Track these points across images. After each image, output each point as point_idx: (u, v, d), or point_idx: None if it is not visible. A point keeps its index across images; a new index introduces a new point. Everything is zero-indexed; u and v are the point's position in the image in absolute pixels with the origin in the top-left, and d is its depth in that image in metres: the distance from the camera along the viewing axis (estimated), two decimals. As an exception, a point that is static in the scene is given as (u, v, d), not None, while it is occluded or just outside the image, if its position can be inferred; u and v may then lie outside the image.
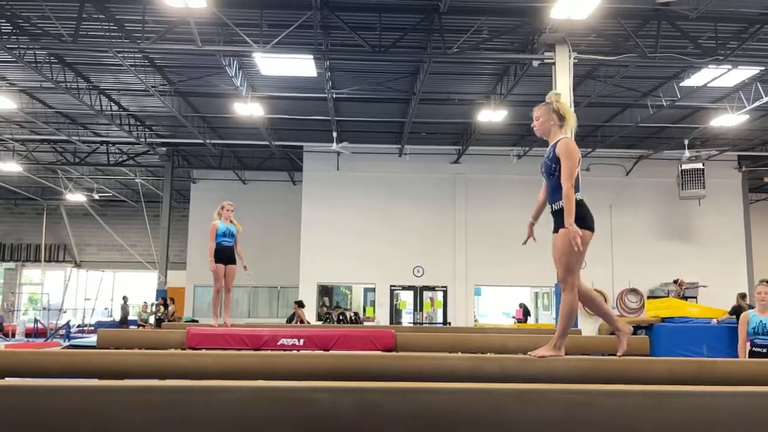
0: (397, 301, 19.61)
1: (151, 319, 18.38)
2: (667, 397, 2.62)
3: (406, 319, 19.48)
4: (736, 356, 6.01)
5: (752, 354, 5.55)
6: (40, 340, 19.64)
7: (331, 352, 6.08)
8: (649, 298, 18.09)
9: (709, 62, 11.43)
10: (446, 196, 19.42)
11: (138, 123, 17.51)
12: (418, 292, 19.47)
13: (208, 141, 17.73)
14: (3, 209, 27.55)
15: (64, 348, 13.75)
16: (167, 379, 3.95)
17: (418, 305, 19.43)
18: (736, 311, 11.31)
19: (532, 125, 4.16)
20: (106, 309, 26.61)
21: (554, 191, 3.90)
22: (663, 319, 12.69)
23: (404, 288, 19.48)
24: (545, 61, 11.13)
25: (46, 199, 26.24)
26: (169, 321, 16.06)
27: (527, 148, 18.18)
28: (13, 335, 20.99)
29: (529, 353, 3.81)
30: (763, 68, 12.31)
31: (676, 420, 2.57)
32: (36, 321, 23.29)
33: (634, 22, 10.97)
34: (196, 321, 17.65)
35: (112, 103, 15.58)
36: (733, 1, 10.19)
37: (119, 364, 4.08)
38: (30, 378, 3.91)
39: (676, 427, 2.58)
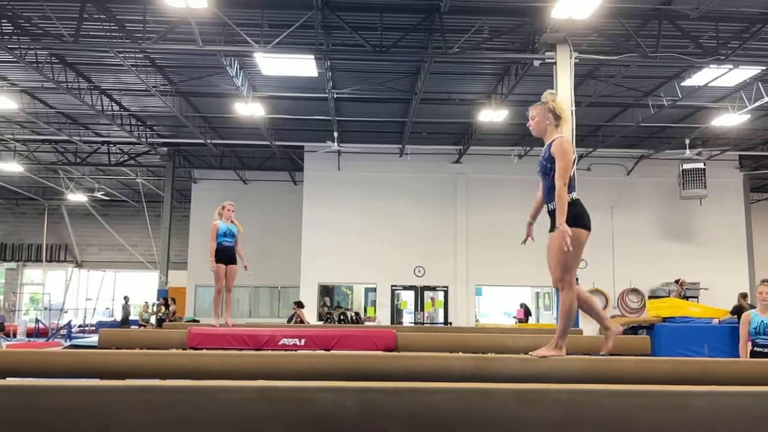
0: (398, 301, 19.61)
1: (152, 319, 18.38)
2: (669, 397, 2.62)
3: (407, 319, 19.47)
4: (738, 356, 6.00)
5: (754, 354, 5.54)
6: (42, 340, 19.67)
7: (332, 352, 6.09)
8: (650, 298, 18.08)
9: (710, 62, 11.41)
10: (447, 195, 19.41)
11: (139, 123, 17.51)
12: (419, 292, 19.47)
13: (209, 141, 17.73)
14: (4, 209, 27.57)
15: (65, 348, 13.76)
16: (168, 379, 3.95)
17: (419, 305, 19.42)
18: (738, 311, 11.29)
19: (527, 124, 4.16)
20: (107, 309, 26.63)
21: (550, 191, 3.91)
22: (664, 319, 12.68)
23: (405, 288, 19.48)
24: (546, 60, 11.12)
25: (47, 199, 26.25)
26: (170, 321, 16.07)
27: (528, 148, 18.18)
28: (15, 335, 20.99)
29: (530, 353, 3.82)
30: (764, 68, 12.29)
31: (677, 420, 2.56)
32: (37, 321, 23.30)
33: (635, 22, 10.96)
34: (197, 321, 17.67)
35: (113, 103, 15.59)
36: (734, 0, 10.18)
37: (120, 364, 4.08)
38: (31, 378, 3.91)
39: (678, 427, 2.57)
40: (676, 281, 16.30)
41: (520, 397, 2.60)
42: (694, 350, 11.33)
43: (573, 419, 2.55)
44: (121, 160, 20.46)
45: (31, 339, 20.78)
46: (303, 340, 6.32)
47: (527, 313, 20.52)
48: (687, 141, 17.23)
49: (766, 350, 5.47)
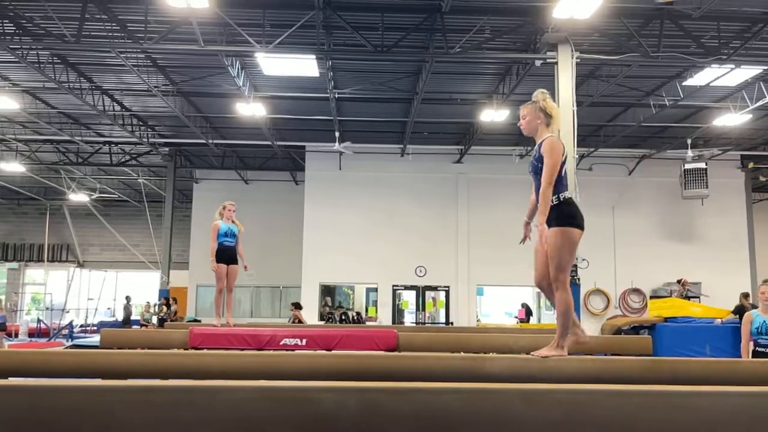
0: (399, 300, 19.61)
1: (154, 319, 18.41)
2: (670, 398, 2.62)
3: (409, 319, 19.47)
4: (740, 356, 5.99)
5: (756, 354, 5.54)
6: (43, 340, 19.70)
7: (333, 352, 6.08)
8: (651, 297, 18.06)
9: (711, 62, 11.40)
10: (448, 195, 19.41)
11: (140, 123, 17.53)
12: (421, 291, 19.47)
13: (210, 141, 17.74)
14: (6, 209, 27.60)
15: (67, 348, 13.78)
16: (170, 379, 3.95)
17: (421, 305, 19.42)
18: (739, 311, 11.28)
19: (518, 124, 4.16)
20: (108, 309, 26.65)
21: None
22: (666, 319, 12.66)
23: (406, 288, 19.48)
24: (548, 60, 11.11)
25: (49, 199, 26.28)
26: (171, 321, 16.09)
27: (529, 148, 18.15)
28: (17, 335, 21.02)
29: (531, 353, 3.81)
30: (765, 67, 12.28)
31: (678, 420, 2.56)
32: (39, 321, 23.34)
33: (637, 22, 10.95)
34: (199, 321, 17.71)
35: (114, 104, 15.60)
36: (735, 0, 10.17)
37: (122, 364, 4.08)
38: (33, 378, 3.92)
39: (679, 428, 2.57)
40: (678, 281, 16.28)
41: (522, 397, 2.60)
42: (695, 350, 11.30)
43: (574, 419, 2.55)
44: (123, 160, 20.48)
45: (33, 339, 20.82)
46: (304, 340, 6.32)
47: (528, 313, 20.50)
48: (689, 141, 17.22)
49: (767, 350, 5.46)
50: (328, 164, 19.07)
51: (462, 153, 19.08)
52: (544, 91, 4.08)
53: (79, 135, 17.87)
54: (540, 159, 3.88)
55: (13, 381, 3.28)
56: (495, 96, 14.48)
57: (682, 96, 13.76)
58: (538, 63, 11.29)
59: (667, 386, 2.84)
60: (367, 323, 17.30)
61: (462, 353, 5.65)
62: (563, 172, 3.89)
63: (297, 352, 5.97)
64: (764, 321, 5.52)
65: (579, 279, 10.65)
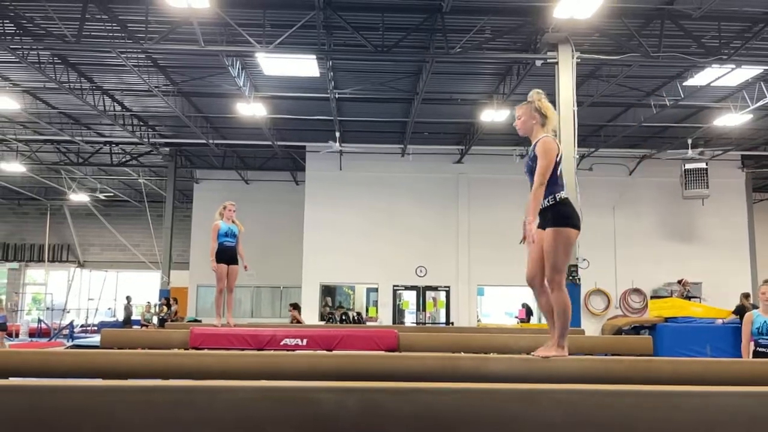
0: (399, 301, 19.61)
1: (154, 319, 18.41)
2: (670, 398, 2.62)
3: (409, 319, 19.47)
4: (740, 356, 5.99)
5: (756, 354, 5.53)
6: (44, 340, 19.71)
7: (334, 352, 6.08)
8: (652, 298, 18.06)
9: (712, 61, 11.40)
10: (449, 195, 19.41)
11: (141, 123, 17.53)
12: (421, 292, 19.47)
13: (211, 141, 17.75)
14: (7, 209, 27.61)
15: (67, 348, 13.79)
16: (170, 379, 3.95)
17: (421, 305, 19.42)
18: (740, 311, 11.27)
19: (513, 124, 4.16)
20: (109, 309, 26.65)
21: None
22: (666, 319, 12.65)
23: (407, 288, 19.47)
24: (548, 60, 11.11)
25: (49, 199, 26.28)
26: (172, 321, 16.09)
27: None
28: (17, 335, 21.03)
29: (532, 353, 3.81)
30: (766, 67, 12.27)
31: (679, 420, 2.56)
32: (39, 321, 23.37)
33: (638, 22, 10.95)
34: (199, 321, 17.71)
35: (115, 104, 15.60)
36: (736, 0, 10.17)
37: (122, 364, 4.09)
38: (34, 378, 3.92)
39: (679, 427, 2.57)
40: (679, 281, 16.27)
41: (522, 398, 2.60)
42: (696, 350, 11.29)
43: (575, 419, 2.55)
44: (123, 160, 20.49)
45: (34, 339, 20.83)
46: (305, 341, 6.32)
47: (529, 313, 20.48)
48: (689, 141, 17.21)
49: (768, 350, 5.46)
50: (328, 164, 19.06)
51: (462, 153, 19.08)
52: (539, 91, 4.08)
53: (80, 135, 17.88)
54: (535, 159, 3.88)
55: (13, 381, 3.28)
56: (495, 96, 14.48)
57: (682, 96, 13.76)
58: (538, 63, 11.29)
59: (667, 386, 2.84)
60: (368, 323, 17.30)
61: (462, 353, 5.65)
62: (559, 172, 3.89)
63: (297, 352, 5.97)
64: (765, 321, 5.51)
65: (579, 279, 10.64)
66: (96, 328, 21.45)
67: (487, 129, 16.12)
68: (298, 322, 13.37)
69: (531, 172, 3.92)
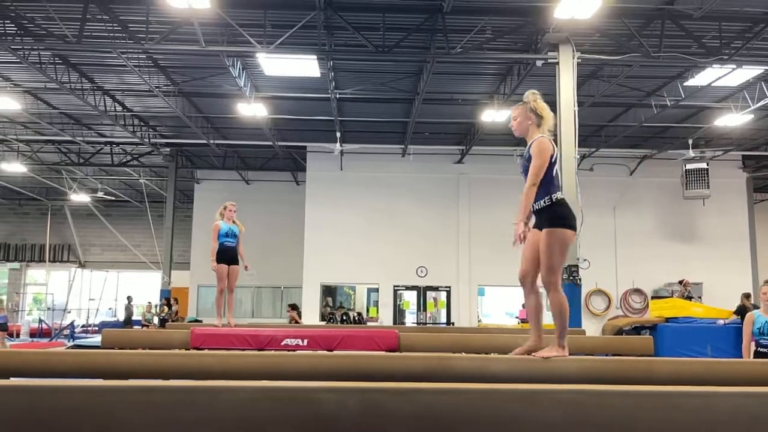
0: (400, 301, 19.61)
1: (155, 320, 18.42)
2: (671, 398, 2.62)
3: (410, 320, 19.48)
4: (741, 357, 5.99)
5: (757, 354, 5.53)
6: (45, 341, 19.71)
7: (334, 352, 6.08)
8: (653, 298, 18.05)
9: (713, 62, 11.39)
10: (449, 196, 19.41)
11: (142, 123, 17.54)
12: (422, 292, 19.47)
13: (211, 141, 17.76)
14: (7, 210, 27.63)
15: (68, 348, 13.79)
16: (171, 379, 3.95)
17: (422, 305, 19.43)
18: (741, 311, 11.27)
19: (509, 125, 4.15)
20: (110, 309, 26.67)
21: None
22: (667, 320, 12.65)
23: (407, 288, 19.48)
24: (549, 60, 11.11)
25: (50, 199, 26.30)
26: (172, 321, 16.10)
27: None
28: (18, 335, 21.03)
29: (532, 354, 3.81)
30: (767, 68, 12.27)
31: (679, 420, 2.56)
32: (40, 321, 23.35)
33: (638, 22, 10.94)
34: (200, 321, 17.72)
35: (116, 104, 15.62)
36: (737, 0, 10.16)
37: (123, 365, 4.09)
38: (34, 378, 3.92)
39: (679, 427, 2.57)
40: (680, 282, 16.27)
41: (523, 398, 2.60)
42: (697, 351, 11.29)
43: (575, 419, 2.55)
44: (124, 160, 20.50)
45: (35, 339, 20.83)
46: (305, 341, 6.32)
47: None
48: (690, 141, 17.20)
49: (769, 350, 5.45)
50: (329, 164, 19.07)
51: (463, 153, 19.08)
52: (535, 92, 4.08)
53: (81, 135, 17.89)
54: (530, 159, 3.89)
55: (14, 381, 3.28)
56: (496, 96, 14.48)
57: (683, 96, 13.75)
58: (539, 63, 11.29)
59: (667, 386, 2.84)
60: (368, 323, 17.29)
61: (463, 353, 5.65)
62: (554, 173, 3.89)
63: (298, 352, 5.97)
64: (766, 321, 5.51)
65: (580, 279, 10.63)
66: (97, 328, 21.46)
67: (487, 129, 16.11)
68: (297, 322, 13.40)
69: (526, 172, 3.93)
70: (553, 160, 3.88)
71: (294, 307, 14.24)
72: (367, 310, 20.12)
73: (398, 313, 19.35)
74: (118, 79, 14.16)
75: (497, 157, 18.76)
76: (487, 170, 19.08)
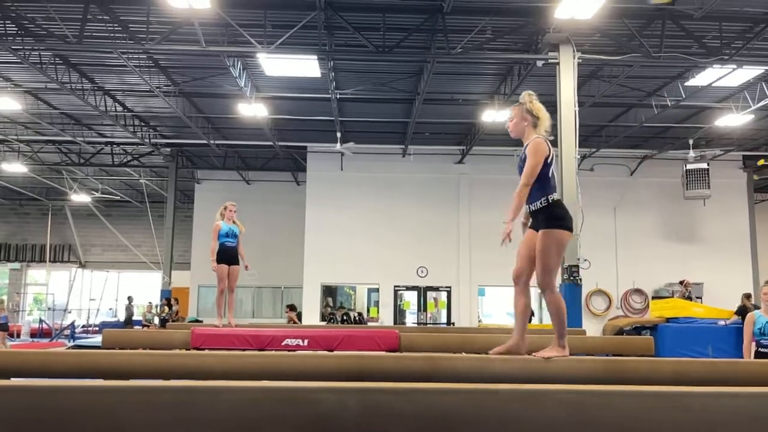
0: (401, 301, 19.61)
1: (156, 320, 18.42)
2: (672, 398, 2.61)
3: (410, 320, 19.48)
4: (742, 357, 5.98)
5: (758, 354, 5.53)
6: (45, 341, 19.72)
7: (335, 352, 6.08)
8: (653, 298, 18.05)
9: (713, 62, 11.39)
10: (450, 196, 19.41)
11: (142, 124, 17.55)
12: (422, 292, 19.47)
13: (212, 141, 17.76)
14: (8, 210, 27.64)
15: (68, 348, 13.79)
16: (172, 379, 3.95)
17: (422, 306, 19.43)
18: (742, 312, 11.26)
19: (506, 126, 4.15)
20: (110, 309, 26.69)
21: (531, 192, 3.88)
22: (668, 320, 12.65)
23: (408, 288, 19.48)
24: (549, 61, 11.11)
25: (50, 199, 26.31)
26: (173, 321, 16.10)
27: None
28: (18, 335, 21.04)
29: (533, 354, 3.81)
30: (767, 68, 12.26)
31: (680, 420, 2.56)
32: (41, 321, 23.37)
33: (639, 22, 10.94)
34: (201, 321, 17.71)
35: (116, 104, 15.62)
36: (737, 0, 10.16)
37: (124, 365, 4.09)
38: (35, 378, 3.92)
39: (680, 427, 2.57)
40: (681, 282, 16.27)
41: (524, 398, 2.60)
42: (698, 351, 11.29)
43: (576, 419, 2.55)
44: (125, 160, 20.50)
45: (35, 339, 20.84)
46: (306, 341, 6.33)
47: (530, 313, 20.49)
48: (690, 141, 17.20)
49: (770, 351, 5.45)
50: (329, 165, 19.07)
51: (463, 153, 19.08)
52: (531, 92, 4.08)
53: (81, 135, 17.90)
54: (525, 160, 3.89)
55: (15, 381, 3.28)
56: (496, 96, 14.48)
57: (683, 96, 13.75)
58: (539, 63, 11.29)
59: (668, 387, 2.84)
60: (369, 324, 17.29)
61: (464, 354, 5.65)
62: (550, 174, 3.88)
63: (299, 352, 5.97)
64: (767, 322, 5.51)
65: (581, 279, 10.63)
66: (97, 328, 21.46)
67: (488, 129, 16.12)
68: (295, 323, 13.41)
69: (522, 172, 3.93)
70: (548, 160, 3.88)
71: (292, 308, 14.26)
72: (368, 311, 20.12)
73: (399, 314, 19.35)
74: (119, 79, 14.16)
75: (498, 157, 18.73)
76: (487, 170, 19.06)
